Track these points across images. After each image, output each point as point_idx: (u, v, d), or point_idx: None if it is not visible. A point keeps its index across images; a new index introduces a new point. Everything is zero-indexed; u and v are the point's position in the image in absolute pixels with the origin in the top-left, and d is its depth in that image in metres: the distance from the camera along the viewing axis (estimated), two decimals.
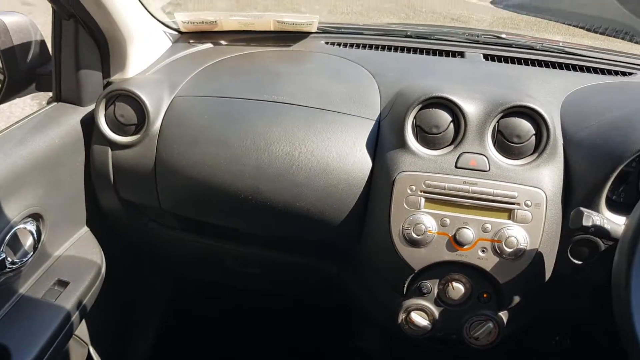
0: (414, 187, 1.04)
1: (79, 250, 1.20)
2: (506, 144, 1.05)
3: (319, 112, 1.13)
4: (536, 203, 1.02)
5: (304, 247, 1.28)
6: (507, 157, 1.06)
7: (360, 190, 1.08)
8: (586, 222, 0.91)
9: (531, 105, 1.04)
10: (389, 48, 1.41)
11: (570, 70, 1.35)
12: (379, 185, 1.07)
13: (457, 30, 1.57)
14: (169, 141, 1.13)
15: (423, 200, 1.04)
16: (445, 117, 1.06)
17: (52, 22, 1.16)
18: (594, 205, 1.02)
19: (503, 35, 1.48)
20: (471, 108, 1.05)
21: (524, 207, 1.02)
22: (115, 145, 1.16)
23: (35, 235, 1.07)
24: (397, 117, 1.09)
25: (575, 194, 1.04)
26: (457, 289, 1.07)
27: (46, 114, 1.16)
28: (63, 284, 1.11)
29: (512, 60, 1.37)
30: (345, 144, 1.10)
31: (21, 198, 1.02)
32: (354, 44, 1.41)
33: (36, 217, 1.07)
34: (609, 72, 1.34)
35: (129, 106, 1.15)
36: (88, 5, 1.09)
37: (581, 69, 1.35)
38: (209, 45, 1.42)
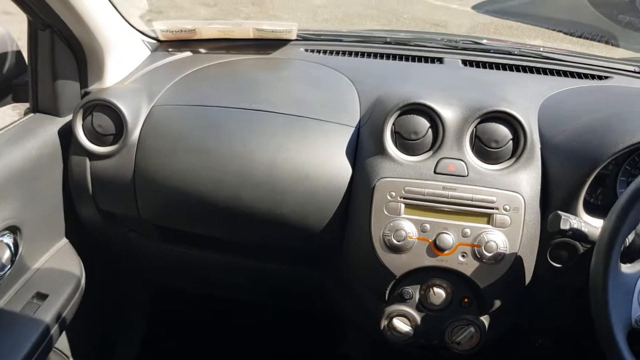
0: (393, 193, 1.04)
1: (58, 262, 1.18)
2: (484, 149, 1.06)
3: (299, 120, 1.13)
4: (515, 207, 1.03)
5: (285, 255, 1.28)
6: (485, 162, 1.06)
7: (341, 197, 1.08)
8: (564, 226, 0.92)
9: (508, 110, 1.05)
10: (369, 55, 1.41)
11: (547, 74, 1.36)
12: (359, 191, 1.07)
13: (436, 36, 1.58)
14: (147, 151, 1.13)
15: (403, 206, 1.04)
16: (423, 123, 1.07)
17: (27, 33, 1.15)
18: (571, 209, 1.03)
19: (484, 41, 1.49)
20: (449, 114, 1.06)
21: (503, 211, 1.03)
22: (93, 156, 1.15)
23: (12, 249, 1.05)
24: (376, 123, 1.09)
25: (553, 197, 1.05)
26: (438, 294, 1.07)
27: (23, 125, 1.15)
28: (42, 296, 1.10)
29: (490, 66, 1.38)
30: (325, 151, 1.10)
31: None
32: (333, 50, 1.41)
33: (13, 229, 1.05)
34: (586, 76, 1.36)
35: (107, 116, 1.14)
36: (64, 15, 1.08)
37: (558, 73, 1.37)
38: (188, 53, 1.41)
